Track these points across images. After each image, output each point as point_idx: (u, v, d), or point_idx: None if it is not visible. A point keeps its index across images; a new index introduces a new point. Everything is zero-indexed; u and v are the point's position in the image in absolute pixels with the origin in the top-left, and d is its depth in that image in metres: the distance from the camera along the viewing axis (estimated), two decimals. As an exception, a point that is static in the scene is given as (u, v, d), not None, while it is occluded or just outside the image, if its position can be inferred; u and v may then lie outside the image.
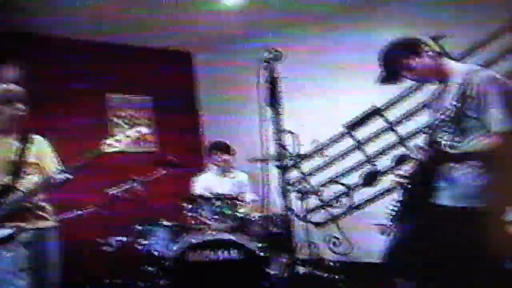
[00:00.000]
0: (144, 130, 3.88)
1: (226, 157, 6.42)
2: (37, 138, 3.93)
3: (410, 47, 3.23)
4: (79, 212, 5.57)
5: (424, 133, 3.38)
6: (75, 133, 6.34)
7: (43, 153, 3.91)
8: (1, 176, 3.65)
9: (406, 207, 3.31)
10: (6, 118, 3.71)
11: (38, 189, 3.71)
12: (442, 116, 3.00)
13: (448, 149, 2.99)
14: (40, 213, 3.80)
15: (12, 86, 3.76)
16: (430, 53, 3.21)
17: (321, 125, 6.63)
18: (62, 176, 3.69)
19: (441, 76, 3.23)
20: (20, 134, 3.84)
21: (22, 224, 3.64)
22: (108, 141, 3.75)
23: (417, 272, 3.25)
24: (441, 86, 3.27)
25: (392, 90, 5.95)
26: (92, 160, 3.74)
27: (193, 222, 5.45)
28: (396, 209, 3.34)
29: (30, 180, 3.74)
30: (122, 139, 3.77)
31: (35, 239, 3.69)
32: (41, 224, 3.78)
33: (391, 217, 3.38)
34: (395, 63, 3.24)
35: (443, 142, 3.03)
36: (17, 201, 3.63)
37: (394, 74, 3.29)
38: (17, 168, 3.70)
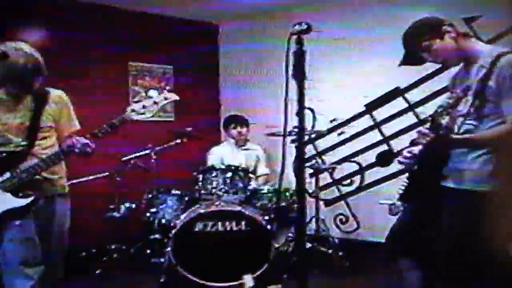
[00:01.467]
0: (173, 97, 3.56)
1: (242, 130, 6.44)
2: (55, 95, 3.68)
3: (432, 28, 3.13)
4: (92, 177, 5.62)
5: (440, 115, 3.29)
6: (95, 101, 6.40)
7: (59, 113, 3.69)
8: (17, 141, 3.48)
9: (414, 187, 3.25)
10: (22, 91, 3.51)
11: (56, 159, 3.49)
12: (462, 99, 2.90)
13: (462, 134, 2.95)
14: (54, 177, 3.64)
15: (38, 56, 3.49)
16: (452, 34, 3.10)
17: (342, 103, 6.59)
18: (81, 145, 3.43)
19: (464, 58, 3.14)
20: (36, 92, 3.58)
21: (36, 192, 3.47)
22: (133, 107, 3.50)
23: (420, 253, 3.24)
24: (463, 68, 3.19)
25: (417, 72, 5.84)
26: (115, 127, 3.48)
27: (203, 192, 5.46)
28: (404, 189, 3.30)
29: (45, 144, 3.59)
30: (149, 105, 3.51)
31: (45, 206, 3.55)
32: (53, 190, 3.63)
33: (399, 196, 3.34)
34: (416, 45, 3.15)
35: (458, 125, 2.99)
36: (34, 170, 3.43)
37: (416, 56, 3.20)
38: (33, 132, 3.51)
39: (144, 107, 3.48)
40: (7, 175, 3.40)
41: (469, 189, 2.99)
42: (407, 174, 3.31)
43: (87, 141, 3.44)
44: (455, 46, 3.10)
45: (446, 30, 3.10)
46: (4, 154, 3.45)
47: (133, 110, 3.48)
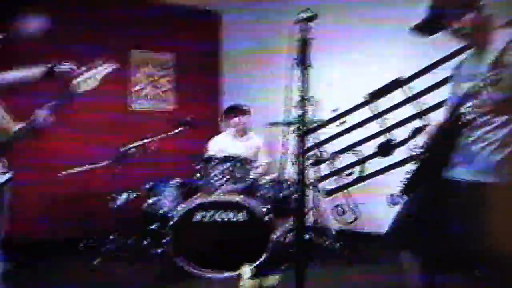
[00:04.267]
0: (111, 67, 3.76)
1: (242, 119, 6.40)
2: None
3: None
4: (91, 166, 5.61)
5: (448, 103, 3.20)
6: (96, 89, 6.37)
7: None
8: None
9: (419, 179, 3.22)
10: None
11: (25, 132, 3.57)
12: (472, 85, 2.83)
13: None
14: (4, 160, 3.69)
15: None
16: (487, 12, 2.98)
17: (343, 93, 6.54)
18: (41, 118, 3.54)
19: (485, 39, 3.01)
20: None
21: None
22: (77, 80, 3.62)
23: (422, 246, 3.18)
24: (473, 53, 3.10)
25: (419, 62, 5.88)
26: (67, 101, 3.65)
27: (203, 182, 5.44)
28: (408, 180, 3.26)
29: None
30: (90, 77, 3.66)
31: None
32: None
33: (402, 188, 3.28)
34: (446, 10, 2.99)
35: (469, 112, 2.91)
36: (5, 145, 3.54)
37: (438, 22, 3.04)
38: None
39: (86, 79, 3.64)
40: None
41: (476, 181, 2.94)
42: (409, 166, 3.27)
43: (48, 112, 3.53)
44: (486, 24, 2.98)
45: (485, 4, 2.97)
46: None
47: (77, 83, 3.62)
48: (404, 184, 3.27)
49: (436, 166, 3.11)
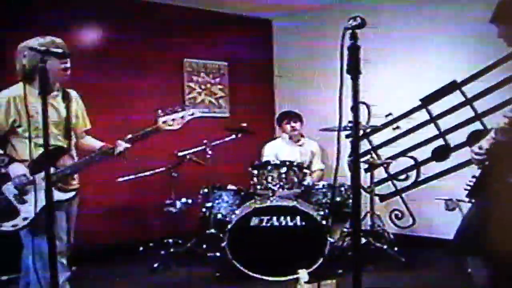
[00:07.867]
0: (197, 113, 3.91)
1: (296, 125, 6.44)
2: (72, 93, 3.88)
3: None
4: (148, 172, 5.73)
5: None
6: (151, 98, 6.50)
7: (79, 109, 3.94)
8: (54, 135, 3.62)
9: (485, 183, 3.15)
10: (54, 73, 3.50)
11: (98, 159, 3.76)
12: None
13: None
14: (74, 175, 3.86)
15: (59, 40, 3.55)
16: None
17: (397, 98, 6.51)
18: (121, 148, 3.74)
19: None
20: (61, 91, 3.76)
21: (69, 186, 3.70)
22: (164, 119, 3.80)
23: (490, 252, 3.09)
24: None
25: (474, 65, 5.77)
26: (148, 136, 3.81)
27: (258, 187, 5.50)
28: (473, 185, 3.21)
29: (73, 140, 3.82)
30: (177, 119, 3.82)
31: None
32: (75, 186, 3.81)
33: (468, 192, 3.24)
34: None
35: None
36: (78, 166, 3.71)
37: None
38: (67, 128, 3.73)
39: (173, 120, 3.81)
40: (52, 170, 3.43)
41: None
42: (467, 170, 3.22)
43: (128, 145, 3.75)
44: None
45: None
46: (50, 148, 3.43)
47: (164, 122, 3.80)
48: (469, 188, 3.23)
49: (503, 170, 3.06)
